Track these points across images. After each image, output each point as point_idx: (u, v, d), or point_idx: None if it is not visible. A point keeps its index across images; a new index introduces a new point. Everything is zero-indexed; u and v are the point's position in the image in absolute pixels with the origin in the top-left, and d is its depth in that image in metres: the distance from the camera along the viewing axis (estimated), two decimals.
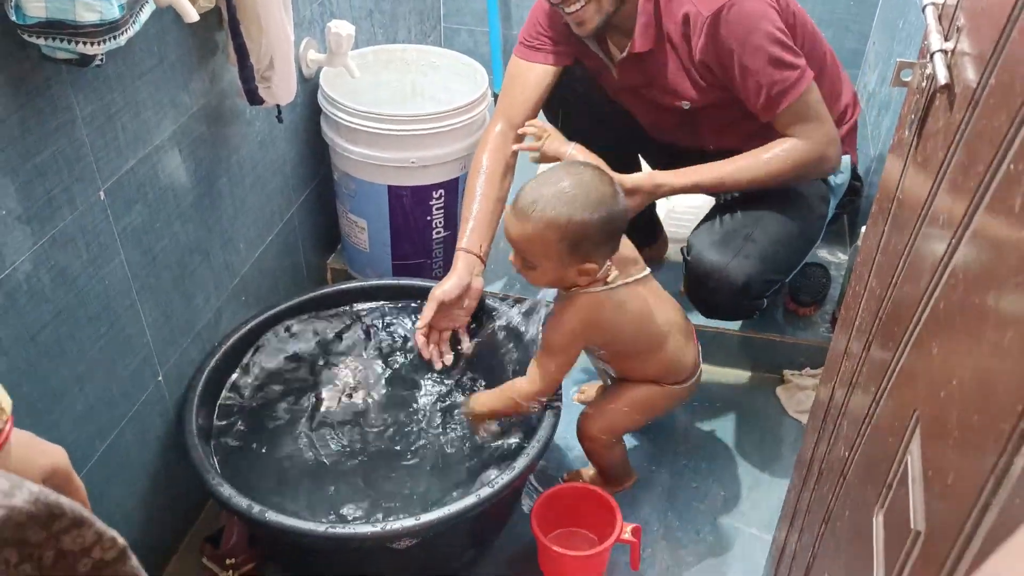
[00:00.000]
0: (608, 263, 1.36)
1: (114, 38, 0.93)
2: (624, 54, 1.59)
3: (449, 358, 1.60)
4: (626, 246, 1.42)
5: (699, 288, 1.61)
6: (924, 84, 0.77)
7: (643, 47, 1.55)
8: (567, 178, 1.28)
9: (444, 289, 1.53)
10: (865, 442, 0.77)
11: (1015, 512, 0.39)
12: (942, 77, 0.67)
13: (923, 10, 0.78)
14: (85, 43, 0.90)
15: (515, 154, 1.66)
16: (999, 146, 0.52)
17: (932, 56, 0.71)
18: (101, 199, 1.14)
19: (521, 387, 1.43)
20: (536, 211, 1.27)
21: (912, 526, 0.55)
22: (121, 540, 0.53)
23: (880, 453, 0.69)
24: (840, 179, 1.71)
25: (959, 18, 0.71)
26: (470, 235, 1.58)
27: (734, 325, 1.89)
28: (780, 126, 1.53)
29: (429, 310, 1.53)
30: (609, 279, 1.37)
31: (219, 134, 1.44)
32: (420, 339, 1.56)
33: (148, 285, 1.29)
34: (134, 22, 0.96)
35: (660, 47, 1.55)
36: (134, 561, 0.54)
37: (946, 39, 0.72)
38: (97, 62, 0.94)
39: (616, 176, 1.51)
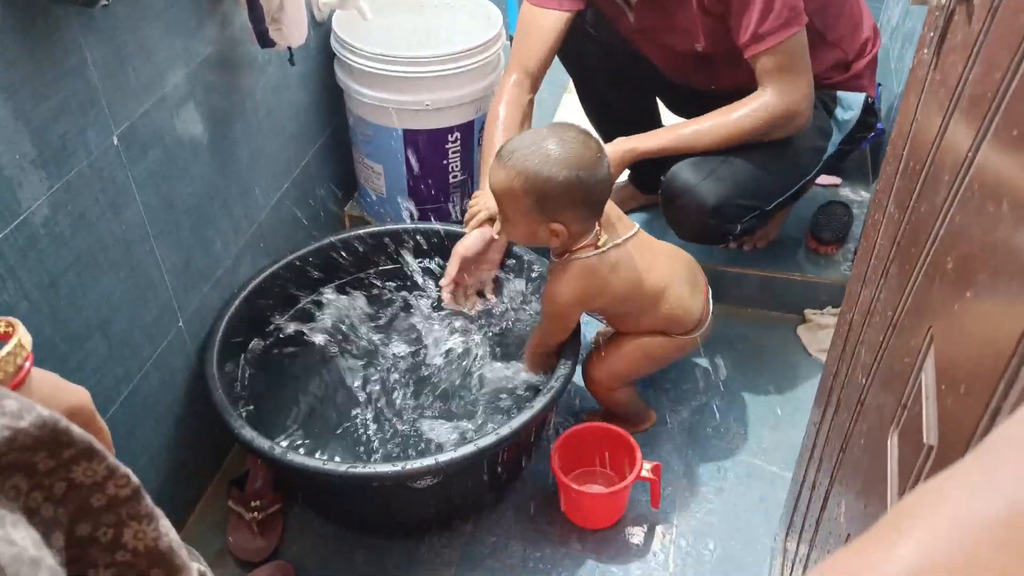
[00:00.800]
0: (597, 228, 1.36)
1: None
2: None
3: (475, 311, 1.58)
4: (610, 208, 1.41)
5: (670, 206, 1.60)
6: (944, 1, 0.75)
7: None
8: (551, 135, 1.29)
9: (466, 244, 1.51)
10: (881, 366, 0.77)
11: None
12: None
13: None
14: None
15: (531, 103, 1.65)
16: (1016, 50, 0.50)
17: None
18: (115, 144, 1.14)
19: (528, 361, 1.47)
20: (511, 160, 1.28)
21: (925, 441, 0.55)
22: (135, 478, 0.53)
23: (896, 374, 0.69)
24: (849, 115, 1.67)
25: None
26: None
27: (755, 265, 1.88)
28: (759, 70, 1.50)
29: (453, 266, 1.51)
30: (600, 243, 1.36)
31: (232, 79, 1.44)
32: (447, 296, 1.54)
33: (166, 231, 1.30)
34: None
35: None
36: (148, 500, 0.54)
37: None
38: (104, 2, 0.94)
39: None
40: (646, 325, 1.49)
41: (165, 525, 0.53)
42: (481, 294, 1.60)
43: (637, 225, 1.45)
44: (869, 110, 1.71)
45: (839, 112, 1.67)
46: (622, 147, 1.55)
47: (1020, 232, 0.44)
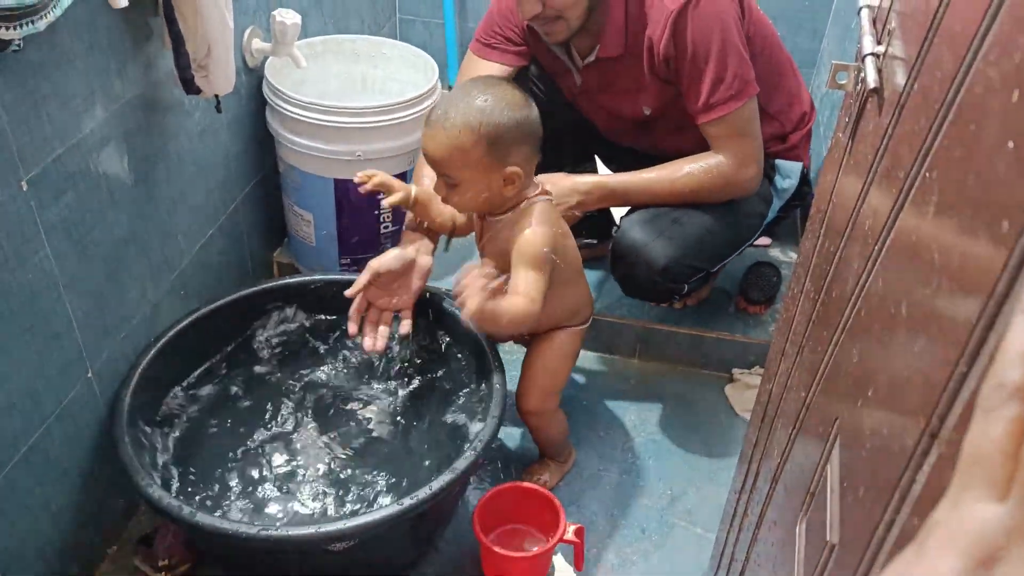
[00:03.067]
0: (537, 182, 1.36)
1: (32, 23, 0.89)
2: (590, 59, 1.58)
3: (383, 342, 1.47)
4: None
5: (620, 264, 1.61)
6: (858, 87, 0.76)
7: (611, 52, 1.54)
8: (474, 89, 1.29)
9: (381, 260, 1.43)
10: (794, 448, 0.76)
11: (916, 531, 0.37)
12: (872, 80, 0.66)
13: (858, 12, 0.78)
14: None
15: None
16: (919, 151, 0.51)
17: (864, 59, 0.70)
18: (23, 189, 1.09)
19: (521, 309, 1.28)
20: (448, 120, 1.26)
21: (828, 538, 0.54)
22: None
23: (806, 460, 0.68)
24: (787, 183, 1.71)
25: (891, 21, 0.70)
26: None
27: (685, 323, 1.89)
28: (710, 135, 1.53)
29: (362, 278, 1.42)
30: (547, 192, 1.37)
31: (156, 123, 1.40)
32: (352, 313, 1.44)
33: (77, 279, 1.25)
34: (55, 7, 0.92)
35: (629, 52, 1.54)
36: None
37: (878, 42, 0.71)
38: (14, 47, 0.91)
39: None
40: (572, 299, 1.46)
41: None
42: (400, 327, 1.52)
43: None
44: (805, 179, 1.75)
45: (778, 180, 1.70)
46: (592, 179, 1.57)
47: (916, 337, 0.44)
